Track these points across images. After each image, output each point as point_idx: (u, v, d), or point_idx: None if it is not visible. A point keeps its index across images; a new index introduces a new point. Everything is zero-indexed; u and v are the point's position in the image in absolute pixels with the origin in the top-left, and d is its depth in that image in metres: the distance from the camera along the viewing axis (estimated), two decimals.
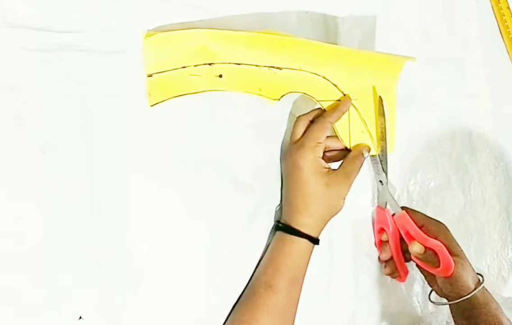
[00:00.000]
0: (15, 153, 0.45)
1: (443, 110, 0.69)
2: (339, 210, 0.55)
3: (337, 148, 0.58)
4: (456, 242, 0.59)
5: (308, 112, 0.57)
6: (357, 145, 0.58)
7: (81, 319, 0.47)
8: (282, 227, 0.55)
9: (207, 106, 0.54)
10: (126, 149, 0.50)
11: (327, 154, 0.58)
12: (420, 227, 0.59)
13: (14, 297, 0.45)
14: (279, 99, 0.55)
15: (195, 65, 0.53)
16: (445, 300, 0.60)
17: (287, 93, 0.56)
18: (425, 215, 0.61)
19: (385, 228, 0.62)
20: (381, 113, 0.58)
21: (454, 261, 0.56)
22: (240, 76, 0.54)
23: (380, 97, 0.58)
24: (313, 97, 0.57)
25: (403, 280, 0.63)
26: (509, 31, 0.74)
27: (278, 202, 0.58)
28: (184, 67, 0.52)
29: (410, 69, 0.66)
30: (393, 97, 0.60)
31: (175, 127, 0.52)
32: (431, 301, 0.62)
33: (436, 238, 0.58)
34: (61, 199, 0.47)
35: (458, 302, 0.57)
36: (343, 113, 0.56)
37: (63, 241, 0.47)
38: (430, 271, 0.59)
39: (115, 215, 0.49)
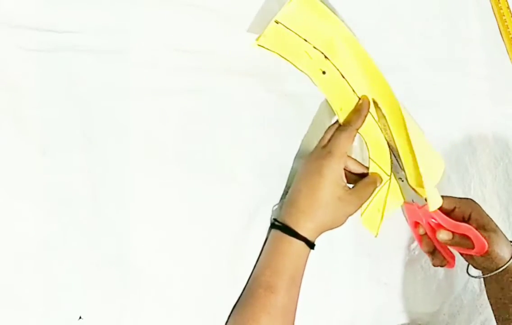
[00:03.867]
0: (15, 153, 0.45)
1: (443, 110, 0.69)
2: (340, 226, 0.56)
3: (352, 170, 0.59)
4: (488, 216, 0.60)
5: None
6: (373, 173, 0.59)
7: (81, 319, 0.47)
8: (280, 226, 0.55)
9: (207, 105, 0.54)
10: (126, 149, 0.50)
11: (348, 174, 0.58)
12: (453, 210, 0.60)
13: (14, 297, 0.45)
14: None
15: (314, 47, 0.54)
16: (480, 274, 0.61)
17: None
18: (453, 197, 0.62)
19: (419, 221, 0.62)
20: (381, 116, 0.58)
21: (487, 238, 0.57)
22: (336, 86, 0.56)
23: (374, 100, 0.58)
24: (368, 151, 0.59)
25: (452, 266, 0.63)
26: (509, 31, 0.74)
27: (279, 202, 0.58)
28: (306, 40, 0.54)
29: (410, 69, 0.67)
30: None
31: (175, 127, 0.52)
32: (469, 275, 0.62)
33: (469, 216, 0.59)
34: (61, 199, 0.47)
35: (494, 274, 0.58)
36: (366, 116, 0.57)
37: (63, 241, 0.47)
38: (466, 253, 0.60)
39: (115, 215, 0.49)
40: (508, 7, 0.74)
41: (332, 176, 0.53)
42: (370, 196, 0.57)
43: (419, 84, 0.67)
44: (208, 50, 0.54)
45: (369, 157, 0.60)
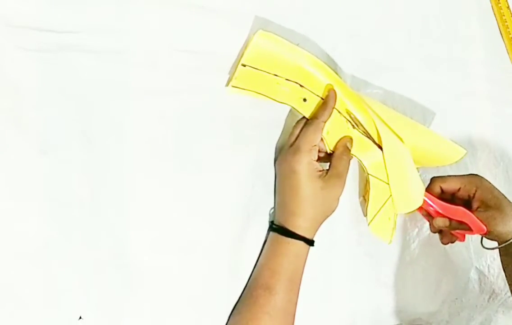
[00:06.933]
0: (15, 153, 0.45)
1: (443, 110, 0.69)
2: (334, 211, 0.56)
3: (325, 150, 0.58)
4: (494, 190, 0.60)
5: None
6: (340, 141, 0.57)
7: (81, 319, 0.47)
8: (277, 229, 0.55)
9: (207, 106, 0.54)
10: (126, 149, 0.50)
11: (319, 155, 0.57)
12: (459, 190, 0.60)
13: (14, 296, 0.45)
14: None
15: (286, 79, 0.54)
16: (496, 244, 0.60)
17: None
18: (459, 176, 0.62)
19: (422, 206, 0.62)
20: (358, 123, 0.58)
21: (486, 219, 0.57)
22: None
23: (347, 110, 0.57)
24: (365, 169, 0.59)
25: (463, 240, 0.63)
26: (509, 31, 0.74)
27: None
28: (276, 75, 0.54)
29: (410, 69, 0.67)
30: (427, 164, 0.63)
31: (175, 127, 0.52)
32: (484, 247, 0.62)
33: (474, 195, 0.59)
34: (61, 199, 0.47)
35: (504, 246, 0.58)
36: (333, 108, 0.56)
37: (63, 241, 0.47)
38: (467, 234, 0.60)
39: (115, 214, 0.49)
40: (508, 7, 0.74)
41: (306, 171, 0.53)
42: (348, 166, 0.56)
43: (419, 84, 0.67)
44: (208, 50, 0.54)
45: (368, 174, 0.59)
